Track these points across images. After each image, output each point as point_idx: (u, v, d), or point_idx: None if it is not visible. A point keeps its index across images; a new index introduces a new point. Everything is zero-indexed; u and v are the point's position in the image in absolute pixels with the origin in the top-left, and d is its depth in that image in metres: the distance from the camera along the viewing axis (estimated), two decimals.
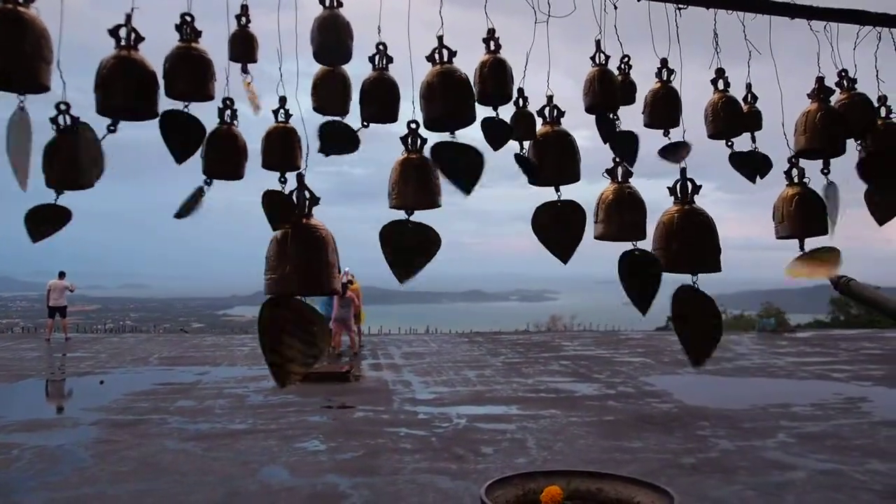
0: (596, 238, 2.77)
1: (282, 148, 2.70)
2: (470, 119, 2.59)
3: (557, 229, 2.67)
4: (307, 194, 2.21)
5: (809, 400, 10.04)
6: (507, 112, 2.76)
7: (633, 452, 7.12)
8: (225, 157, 2.65)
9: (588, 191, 2.86)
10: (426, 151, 2.54)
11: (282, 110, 2.78)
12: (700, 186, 2.69)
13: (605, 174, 2.80)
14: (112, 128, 2.28)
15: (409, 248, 2.46)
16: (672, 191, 2.73)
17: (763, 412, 9.21)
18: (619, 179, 2.80)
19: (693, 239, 2.64)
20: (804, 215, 2.84)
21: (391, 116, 2.78)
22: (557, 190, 2.76)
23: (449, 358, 14.85)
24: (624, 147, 2.84)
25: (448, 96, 2.53)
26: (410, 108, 2.60)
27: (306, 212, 2.21)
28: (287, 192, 2.21)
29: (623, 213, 2.72)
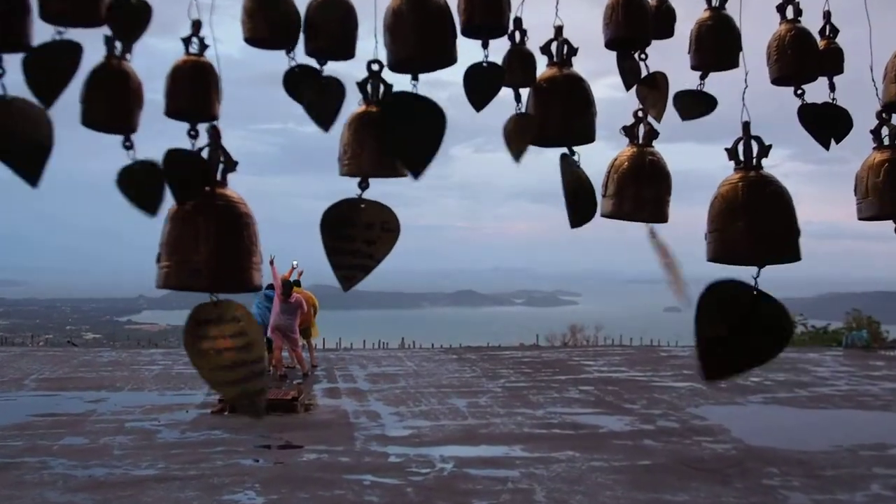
0: (604, 216, 2.81)
1: (193, 89, 2.68)
2: (449, 59, 2.60)
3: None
4: (221, 156, 2.22)
5: None
6: (499, 51, 2.78)
7: None
8: (112, 103, 2.63)
9: (608, 157, 2.90)
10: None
11: (195, 39, 2.76)
12: (769, 147, 2.70)
13: (622, 131, 2.83)
14: None
15: (351, 237, 2.52)
16: (732, 153, 2.75)
17: (851, 456, 9.34)
18: (641, 141, 2.83)
19: (764, 216, 2.62)
20: None
21: (345, 50, 2.78)
22: (572, 152, 2.79)
23: (431, 381, 14.92)
24: (690, 107, 2.87)
25: (421, 29, 2.54)
26: (374, 43, 2.62)
27: (219, 179, 2.23)
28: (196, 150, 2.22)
29: (641, 185, 2.76)
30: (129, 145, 2.58)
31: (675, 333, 22.59)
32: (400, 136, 2.49)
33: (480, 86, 2.68)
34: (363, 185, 2.53)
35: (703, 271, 2.77)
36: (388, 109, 2.50)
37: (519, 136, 2.79)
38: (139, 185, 2.50)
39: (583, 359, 18.97)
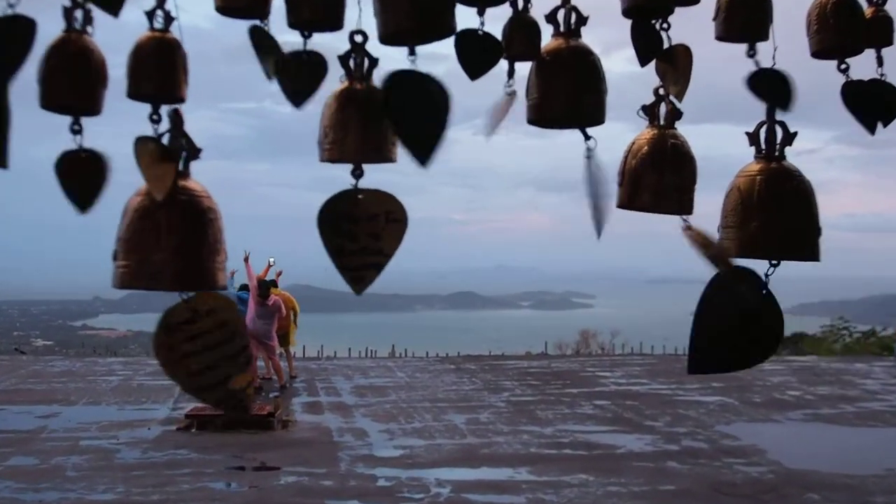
0: (619, 207, 2.82)
1: (157, 70, 2.69)
2: (446, 29, 2.60)
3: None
4: (184, 143, 2.23)
5: None
6: (500, 18, 2.78)
7: None
8: (73, 82, 2.65)
9: (623, 141, 2.90)
10: (381, 80, 2.56)
11: (159, 12, 2.77)
12: (794, 134, 2.73)
13: (640, 112, 2.83)
14: None
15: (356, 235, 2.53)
16: (753, 139, 2.76)
17: None
18: (662, 122, 2.83)
19: (783, 215, 2.69)
20: None
21: (332, 20, 2.78)
22: (586, 136, 2.79)
23: (425, 394, 14.95)
24: (772, 90, 2.85)
25: None
26: (358, 12, 2.62)
27: (182, 170, 2.25)
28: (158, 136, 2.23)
29: (662, 172, 2.76)
30: (77, 129, 2.59)
31: None
32: (406, 120, 2.50)
33: (473, 55, 2.69)
34: (357, 174, 2.53)
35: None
36: (395, 90, 2.50)
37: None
38: (80, 175, 2.53)
39: (598, 369, 18.99)
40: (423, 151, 2.51)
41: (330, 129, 2.54)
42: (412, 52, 2.54)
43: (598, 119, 2.80)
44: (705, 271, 2.80)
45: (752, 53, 2.93)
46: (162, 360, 2.36)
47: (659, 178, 2.77)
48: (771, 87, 2.90)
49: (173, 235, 2.24)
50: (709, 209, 2.87)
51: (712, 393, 15.27)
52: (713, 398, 14.72)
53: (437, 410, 13.34)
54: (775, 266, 2.72)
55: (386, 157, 2.56)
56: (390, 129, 2.55)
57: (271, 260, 16.51)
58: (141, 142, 2.29)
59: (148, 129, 2.41)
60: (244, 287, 15.29)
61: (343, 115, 2.54)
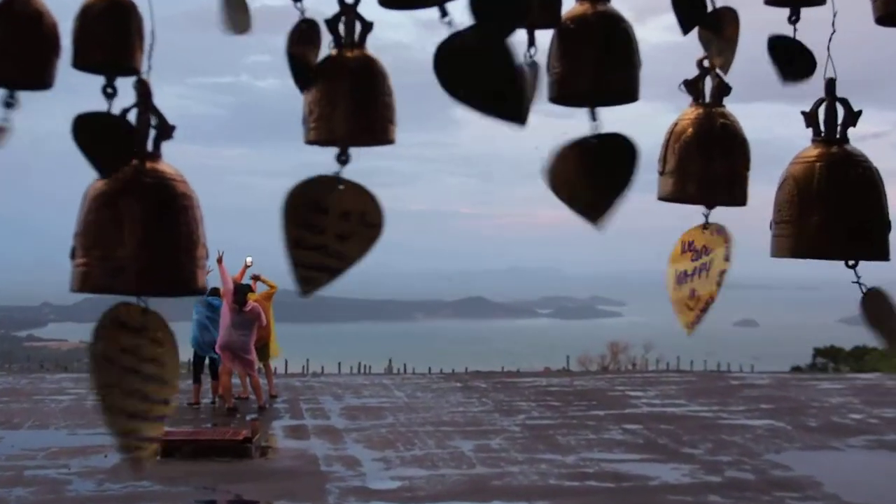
0: (661, 199, 2.80)
1: (108, 35, 2.69)
2: None
3: (584, 175, 2.66)
4: (152, 119, 2.22)
5: None
6: None
7: None
8: (24, 52, 2.65)
9: (662, 123, 2.89)
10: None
11: None
12: (858, 113, 2.72)
13: (682, 87, 2.82)
14: None
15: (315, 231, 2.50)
16: (811, 119, 2.75)
17: None
18: (708, 100, 2.83)
19: (846, 205, 2.68)
20: None
21: None
22: (593, 116, 2.75)
23: (427, 417, 14.95)
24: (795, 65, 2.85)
25: None
26: None
27: (151, 151, 2.23)
28: (120, 114, 2.22)
29: (711, 157, 2.75)
30: (11, 102, 2.58)
31: (751, 354, 22.64)
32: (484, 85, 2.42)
33: (492, 13, 2.66)
34: (343, 159, 2.49)
35: (782, 272, 2.80)
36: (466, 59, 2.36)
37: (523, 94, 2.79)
38: (99, 137, 2.49)
39: (628, 388, 18.98)
40: (517, 110, 2.38)
41: (315, 105, 2.51)
42: (444, 13, 2.41)
43: (631, 95, 2.77)
44: (757, 274, 2.78)
45: (793, 19, 2.93)
46: (93, 353, 2.24)
47: (707, 164, 2.77)
48: (787, 55, 2.90)
49: (139, 226, 2.18)
50: (758, 202, 2.86)
51: (761, 416, 15.27)
52: (762, 422, 14.71)
53: (440, 435, 13.33)
54: (853, 266, 2.70)
55: (382, 137, 2.53)
56: (388, 106, 2.53)
57: (249, 260, 16.47)
58: (83, 116, 2.27)
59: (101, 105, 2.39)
60: (215, 291, 15.25)
61: (331, 89, 2.52)
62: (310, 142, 2.53)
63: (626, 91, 2.77)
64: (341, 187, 2.48)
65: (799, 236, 2.72)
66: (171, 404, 2.34)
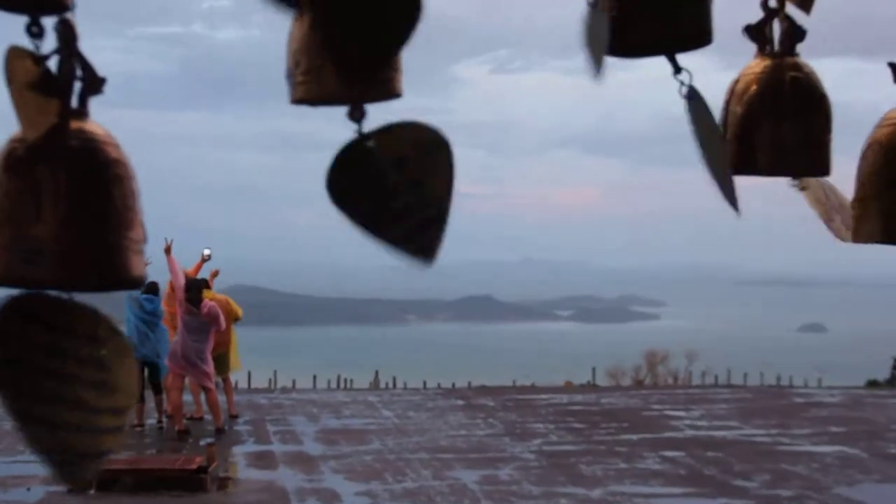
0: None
1: None
2: None
3: None
4: (77, 69, 2.20)
5: None
6: None
7: None
8: None
9: (719, 81, 2.88)
10: None
11: None
12: None
13: (746, 33, 2.80)
14: None
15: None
16: None
17: None
18: (778, 48, 2.81)
19: None
20: None
21: None
22: (677, 68, 2.73)
23: (422, 442, 14.97)
24: None
25: None
26: None
27: (76, 107, 2.20)
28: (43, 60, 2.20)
29: (782, 119, 2.74)
30: None
31: (817, 366, 22.61)
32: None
33: None
34: (357, 115, 2.41)
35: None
36: None
37: (592, 36, 2.74)
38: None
39: (667, 407, 19.02)
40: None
41: (302, 56, 2.46)
42: None
43: (703, 38, 2.73)
44: (826, 268, 2.77)
45: None
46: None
47: (777, 128, 2.75)
48: None
49: (60, 199, 2.12)
50: (836, 175, 2.84)
51: (830, 441, 15.28)
52: (831, 448, 14.74)
53: (438, 464, 13.34)
54: None
55: (388, 89, 2.47)
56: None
57: (206, 251, 16.48)
58: (15, 54, 2.24)
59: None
60: (151, 288, 15.16)
61: (320, 35, 2.48)
62: (298, 100, 2.49)
63: (694, 33, 2.71)
64: (370, 142, 2.42)
65: (883, 214, 2.69)
66: (124, 415, 2.32)
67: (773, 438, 15.60)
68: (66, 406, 2.24)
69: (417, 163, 2.45)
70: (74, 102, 2.26)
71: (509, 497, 11.64)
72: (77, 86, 2.28)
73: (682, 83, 2.71)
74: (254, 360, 19.98)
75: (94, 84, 2.26)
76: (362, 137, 2.41)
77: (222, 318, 15.31)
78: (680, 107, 2.77)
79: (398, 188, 2.43)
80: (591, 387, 24.37)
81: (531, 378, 24.48)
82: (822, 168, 2.79)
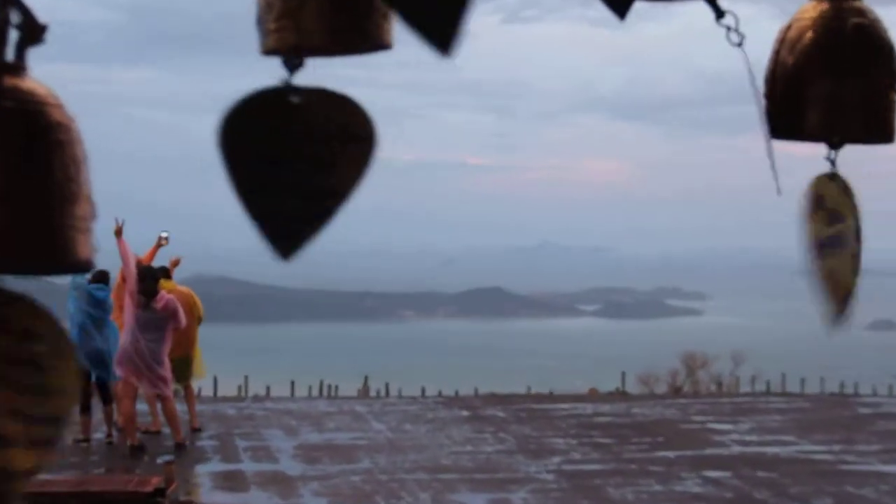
0: (771, 136, 2.77)
1: None
2: None
3: None
4: (13, 14, 2.18)
5: None
6: None
7: None
8: None
9: (768, 30, 2.87)
10: None
11: None
12: None
13: None
14: None
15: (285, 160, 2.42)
16: None
17: None
18: None
19: None
20: None
21: None
22: (719, 12, 2.73)
23: (419, 460, 15.04)
24: None
25: None
26: None
27: (11, 60, 2.19)
28: None
29: (841, 74, 2.72)
30: None
31: (889, 370, 22.57)
32: None
33: None
34: (294, 63, 2.42)
35: None
36: None
37: None
38: None
39: (710, 419, 19.08)
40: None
41: (276, 1, 2.47)
42: None
43: None
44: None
45: None
46: None
47: (835, 83, 2.73)
48: None
49: None
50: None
51: None
52: None
53: (439, 486, 13.38)
54: None
55: (374, 39, 2.45)
56: None
57: (164, 234, 16.50)
58: None
59: None
60: (101, 276, 15.16)
61: None
62: (270, 50, 2.48)
63: None
64: (296, 100, 2.41)
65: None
66: (61, 424, 2.30)
67: (836, 456, 15.63)
68: (23, 424, 2.23)
69: (338, 145, 2.44)
70: (9, 55, 2.26)
71: None
72: (13, 35, 2.27)
73: (728, 29, 2.69)
74: (221, 363, 20.03)
75: (34, 32, 2.24)
76: (288, 88, 2.40)
77: (182, 313, 15.25)
78: (725, 64, 2.76)
79: (298, 160, 2.42)
80: (619, 395, 24.46)
81: (549, 385, 24.54)
82: (884, 133, 2.78)
